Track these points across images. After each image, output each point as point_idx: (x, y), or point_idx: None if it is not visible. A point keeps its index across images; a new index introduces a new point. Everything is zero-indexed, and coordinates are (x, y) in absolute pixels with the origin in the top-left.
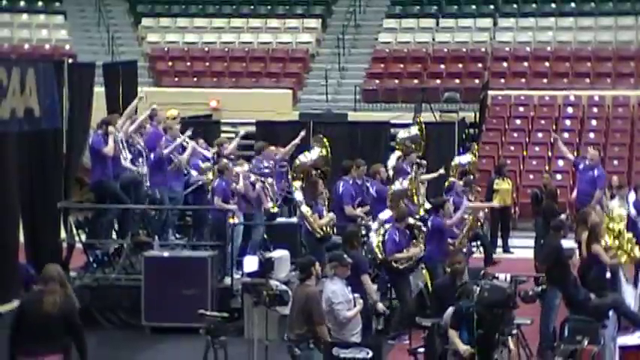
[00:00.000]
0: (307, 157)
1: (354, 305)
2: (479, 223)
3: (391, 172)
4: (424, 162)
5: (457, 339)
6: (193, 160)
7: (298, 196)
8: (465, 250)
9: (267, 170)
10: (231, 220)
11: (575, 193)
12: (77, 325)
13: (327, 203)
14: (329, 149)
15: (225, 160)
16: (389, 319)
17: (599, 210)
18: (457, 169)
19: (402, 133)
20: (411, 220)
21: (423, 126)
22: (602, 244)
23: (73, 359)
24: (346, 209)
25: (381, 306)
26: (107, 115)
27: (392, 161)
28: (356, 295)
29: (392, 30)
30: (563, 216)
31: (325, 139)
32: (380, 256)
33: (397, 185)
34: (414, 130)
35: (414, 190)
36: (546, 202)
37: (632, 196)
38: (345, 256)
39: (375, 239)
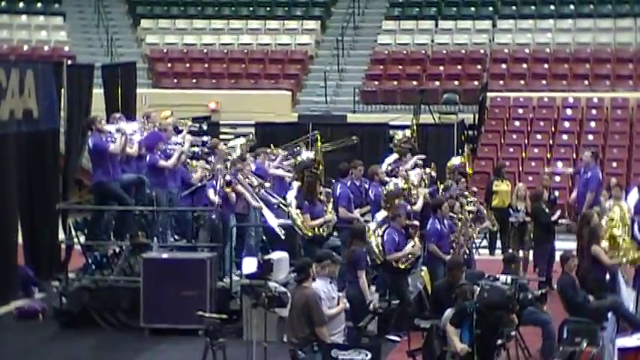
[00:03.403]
0: (304, 157)
1: (337, 304)
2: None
3: (384, 175)
4: (421, 161)
5: (455, 337)
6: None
7: (290, 197)
8: (464, 249)
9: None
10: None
11: (574, 195)
12: None
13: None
14: (320, 154)
15: (219, 166)
16: (387, 320)
17: (598, 210)
18: (452, 172)
19: (398, 136)
20: (407, 220)
21: (415, 127)
22: (604, 245)
23: None
24: (340, 212)
25: (373, 304)
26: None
27: (385, 164)
28: (340, 294)
29: (391, 32)
30: (556, 216)
31: (318, 144)
32: (380, 257)
33: (391, 186)
34: (408, 132)
35: (409, 190)
36: (534, 205)
37: (634, 196)
38: (334, 253)
39: (373, 241)
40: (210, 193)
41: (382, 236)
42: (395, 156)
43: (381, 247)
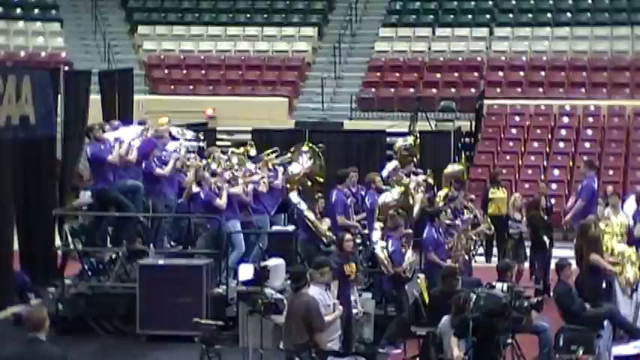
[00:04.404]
0: (297, 168)
1: (334, 310)
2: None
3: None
4: (420, 170)
5: (457, 347)
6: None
7: (300, 202)
8: (462, 256)
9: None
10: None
11: (570, 203)
12: None
13: (320, 211)
14: (321, 157)
15: (202, 171)
16: (383, 328)
17: (595, 219)
18: (451, 179)
19: (399, 142)
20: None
21: (417, 135)
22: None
23: None
24: (338, 219)
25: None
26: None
27: (386, 171)
28: (335, 301)
29: (388, 39)
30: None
31: (316, 147)
32: (391, 269)
33: (385, 196)
34: (410, 140)
35: (408, 199)
36: (533, 213)
37: (631, 205)
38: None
39: (380, 253)
40: (217, 200)
41: (387, 248)
42: (394, 163)
43: (389, 259)
